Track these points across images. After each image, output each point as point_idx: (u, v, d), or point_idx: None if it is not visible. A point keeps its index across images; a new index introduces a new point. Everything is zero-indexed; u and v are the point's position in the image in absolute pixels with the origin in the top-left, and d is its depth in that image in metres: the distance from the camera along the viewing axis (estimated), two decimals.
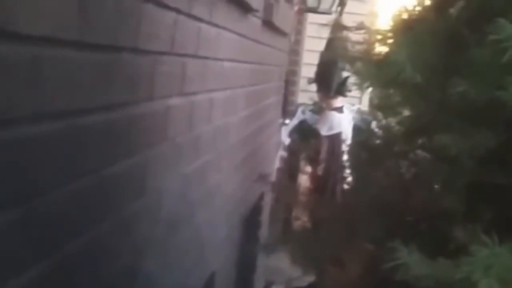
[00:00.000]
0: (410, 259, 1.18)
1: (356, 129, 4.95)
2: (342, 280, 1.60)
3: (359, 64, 1.57)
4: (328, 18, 5.07)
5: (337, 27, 2.66)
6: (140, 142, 1.67)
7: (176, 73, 1.96)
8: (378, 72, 1.44)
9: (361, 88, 1.51)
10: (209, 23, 2.25)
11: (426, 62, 1.37)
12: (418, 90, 1.43)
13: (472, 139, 1.28)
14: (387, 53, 1.56)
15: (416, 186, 1.52)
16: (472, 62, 1.29)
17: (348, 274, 1.58)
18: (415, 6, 1.87)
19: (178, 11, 1.86)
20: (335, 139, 5.21)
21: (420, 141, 1.63)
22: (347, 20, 2.46)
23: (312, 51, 6.54)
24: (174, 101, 1.95)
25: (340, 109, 5.52)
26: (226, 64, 2.66)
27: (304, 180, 5.56)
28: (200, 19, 2.12)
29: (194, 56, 2.13)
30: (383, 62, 1.46)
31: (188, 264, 2.35)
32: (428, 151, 1.53)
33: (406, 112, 1.69)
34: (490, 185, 1.35)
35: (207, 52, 2.29)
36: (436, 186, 1.52)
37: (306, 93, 6.99)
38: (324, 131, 5.40)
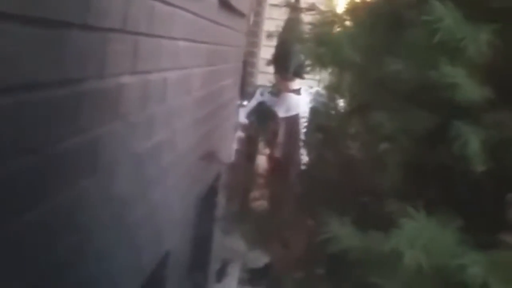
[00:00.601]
0: (341, 232, 1.22)
1: (313, 111, 5.00)
2: (287, 258, 1.64)
3: (305, 45, 1.60)
4: None
5: (294, 8, 2.67)
6: (90, 120, 1.64)
7: (129, 51, 1.93)
8: (319, 52, 1.46)
9: (313, 69, 1.53)
10: (163, 1, 2.22)
11: (365, 43, 1.40)
12: (357, 70, 1.46)
13: (406, 118, 1.31)
14: (328, 34, 1.59)
15: (358, 165, 1.56)
16: (407, 43, 1.33)
17: (292, 251, 1.62)
18: None
19: None
20: (293, 121, 5.24)
21: (360, 120, 1.67)
22: (306, 2, 2.47)
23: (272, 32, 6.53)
24: (127, 79, 1.93)
25: (297, 91, 5.55)
26: (181, 43, 2.64)
27: (261, 161, 5.59)
28: None
29: (148, 35, 2.10)
30: (323, 42, 1.49)
31: (141, 243, 2.34)
32: (366, 130, 1.57)
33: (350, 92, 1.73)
34: (428, 164, 1.39)
35: (161, 30, 2.26)
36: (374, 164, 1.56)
37: (265, 75, 7.00)
38: (281, 113, 5.43)
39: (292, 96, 5.49)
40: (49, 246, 1.45)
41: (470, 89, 1.27)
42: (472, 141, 1.28)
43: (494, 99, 1.35)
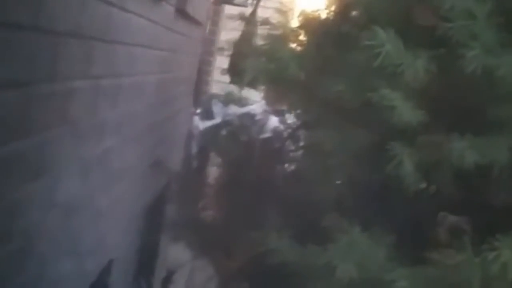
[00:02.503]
0: (280, 245, 1.26)
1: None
2: (230, 268, 1.67)
3: (254, 60, 1.64)
4: (244, 11, 5.13)
5: (248, 22, 2.71)
6: (37, 124, 1.63)
7: (82, 55, 1.92)
8: (267, 68, 1.51)
9: (251, 84, 1.57)
10: (120, 7, 2.22)
11: (311, 62, 1.45)
12: (301, 88, 1.51)
13: (346, 136, 1.37)
14: (277, 50, 1.64)
15: (302, 180, 1.60)
16: (350, 64, 1.39)
17: (235, 262, 1.65)
18: (320, 8, 1.95)
19: None
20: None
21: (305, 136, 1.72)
22: (263, 14, 2.52)
23: (228, 42, 6.56)
24: (78, 83, 1.92)
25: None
26: (136, 49, 2.64)
27: (212, 171, 5.58)
28: (110, 3, 2.09)
29: (102, 40, 2.10)
30: (272, 59, 1.54)
31: (84, 251, 2.31)
32: (307, 147, 1.62)
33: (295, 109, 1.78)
34: (366, 182, 1.45)
35: (116, 36, 2.26)
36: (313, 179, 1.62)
37: (220, 84, 7.02)
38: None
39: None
40: None
41: (406, 112, 1.34)
42: (406, 161, 1.34)
43: (428, 122, 1.42)
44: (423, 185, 1.42)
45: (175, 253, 4.61)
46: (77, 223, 2.15)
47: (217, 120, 6.00)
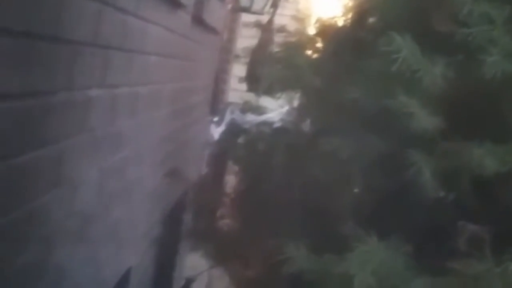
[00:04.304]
0: (297, 254, 1.25)
1: (281, 131, 5.02)
2: (246, 278, 1.66)
3: (271, 67, 1.64)
4: (260, 19, 5.13)
5: (265, 29, 2.71)
6: (55, 132, 1.64)
7: (99, 64, 1.94)
8: (283, 75, 1.50)
9: (268, 92, 1.57)
10: (136, 16, 2.24)
11: (328, 69, 1.44)
12: (318, 95, 1.50)
13: (362, 144, 1.36)
14: (293, 57, 1.64)
15: (319, 188, 1.59)
16: (366, 71, 1.38)
17: (251, 271, 1.64)
18: (337, 15, 1.94)
19: (103, 2, 1.84)
20: None
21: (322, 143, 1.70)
22: (280, 22, 2.52)
23: (244, 49, 6.57)
24: (95, 92, 1.93)
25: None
26: (152, 58, 2.65)
27: (230, 180, 5.57)
28: (126, 12, 2.11)
29: (119, 49, 2.11)
30: (288, 66, 1.53)
31: (103, 259, 2.32)
32: (324, 154, 1.61)
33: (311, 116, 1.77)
34: (383, 190, 1.44)
35: (133, 45, 2.28)
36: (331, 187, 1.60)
37: (237, 92, 7.02)
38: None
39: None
40: (8, 260, 1.44)
41: (424, 118, 1.32)
42: (424, 168, 1.32)
43: (446, 129, 1.40)
44: (442, 193, 1.40)
45: (193, 262, 4.61)
46: (95, 232, 2.16)
47: (222, 127, 6.00)
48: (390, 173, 1.43)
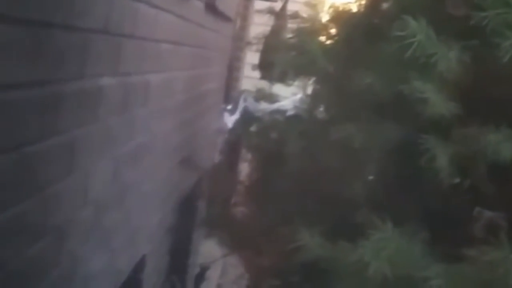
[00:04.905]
0: (311, 241, 1.24)
1: (295, 118, 5.00)
2: (261, 266, 1.65)
3: (284, 54, 1.62)
4: (273, 5, 5.10)
5: (278, 16, 2.69)
6: (68, 121, 1.64)
7: (111, 52, 1.93)
8: (296, 62, 1.48)
9: (281, 79, 1.55)
10: (148, 3, 2.23)
11: (341, 54, 1.42)
12: (331, 81, 1.48)
13: (376, 130, 1.34)
14: (306, 43, 1.62)
15: (333, 175, 1.58)
16: (380, 56, 1.35)
17: (265, 259, 1.63)
18: (350, 1, 1.92)
19: None
20: None
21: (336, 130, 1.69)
22: (293, 8, 2.49)
23: (257, 37, 6.54)
24: (107, 81, 1.93)
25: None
26: (165, 46, 2.64)
27: (244, 168, 5.57)
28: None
29: (130, 37, 2.10)
30: (302, 52, 1.51)
31: (117, 247, 2.33)
32: (337, 141, 1.59)
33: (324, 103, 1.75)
34: (398, 177, 1.42)
35: (145, 33, 2.27)
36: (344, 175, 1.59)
37: (251, 80, 7.00)
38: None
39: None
40: (23, 247, 1.45)
41: (439, 104, 1.30)
42: (440, 155, 1.30)
43: (462, 114, 1.37)
44: (458, 180, 1.37)
45: (208, 249, 4.62)
46: (110, 219, 2.16)
47: (236, 115, 5.98)
48: (405, 160, 1.41)
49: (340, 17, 1.85)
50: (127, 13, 2.01)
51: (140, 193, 2.57)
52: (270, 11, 2.48)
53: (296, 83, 6.10)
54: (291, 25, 2.05)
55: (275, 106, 6.10)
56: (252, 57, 7.07)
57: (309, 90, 2.11)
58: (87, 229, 1.93)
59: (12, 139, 1.32)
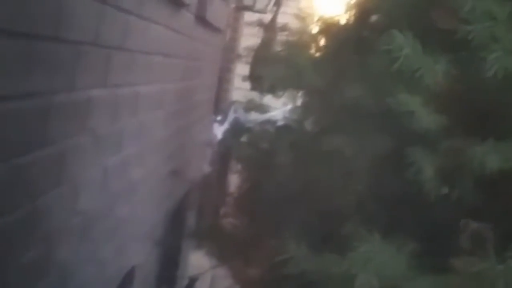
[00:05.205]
0: (298, 253, 1.24)
1: (285, 129, 5.01)
2: (249, 277, 1.65)
3: (272, 66, 1.63)
4: (263, 17, 5.13)
5: (267, 28, 2.71)
6: (57, 132, 1.65)
7: (100, 64, 1.94)
8: (284, 74, 1.50)
9: (270, 91, 1.57)
10: (138, 16, 2.24)
11: (329, 68, 1.44)
12: (320, 94, 1.50)
13: (364, 143, 1.35)
14: (292, 56, 1.63)
15: (321, 186, 1.59)
16: (368, 69, 1.37)
17: (254, 271, 1.63)
18: (339, 13, 1.94)
19: (103, 1, 1.84)
20: None
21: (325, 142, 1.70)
22: (283, 20, 2.51)
23: (247, 48, 6.56)
24: (97, 92, 1.93)
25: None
26: (155, 58, 2.65)
27: (233, 180, 5.57)
28: (128, 11, 2.11)
29: (120, 49, 2.11)
30: (290, 65, 1.53)
31: (106, 257, 2.32)
32: (327, 152, 1.61)
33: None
34: (385, 188, 1.43)
35: (135, 45, 2.28)
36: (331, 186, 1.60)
37: (241, 91, 7.01)
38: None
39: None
40: (11, 259, 1.44)
41: (425, 117, 1.31)
42: (426, 167, 1.32)
43: (448, 127, 1.39)
44: (445, 191, 1.39)
45: (197, 261, 4.61)
46: (99, 231, 2.16)
47: (226, 126, 6.00)
48: (393, 172, 1.43)
49: (329, 29, 1.87)
50: (117, 25, 2.02)
51: (129, 204, 2.57)
52: (260, 23, 2.50)
53: (286, 94, 6.11)
54: (281, 37, 2.07)
55: (266, 116, 6.11)
56: (242, 68, 7.10)
57: (299, 102, 2.13)
58: (76, 240, 1.92)
59: (2, 150, 1.32)
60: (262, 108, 6.14)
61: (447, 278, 1.28)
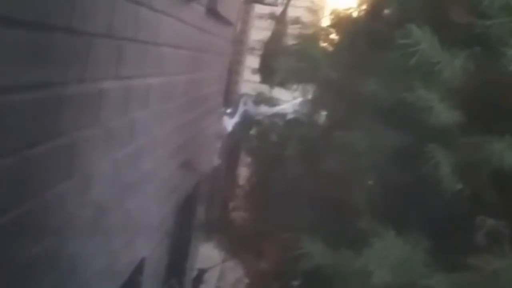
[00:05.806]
0: (313, 249, 1.23)
1: (295, 122, 5.00)
2: (260, 270, 1.65)
3: (285, 60, 1.61)
4: (274, 10, 5.10)
5: (279, 21, 2.69)
6: (69, 124, 1.64)
7: (112, 56, 1.93)
8: (298, 68, 1.48)
9: (282, 84, 1.55)
10: (149, 7, 2.23)
11: (344, 61, 1.42)
12: (333, 87, 1.48)
13: (379, 137, 1.34)
14: (309, 49, 1.61)
15: (335, 181, 1.57)
16: (384, 64, 1.35)
17: (265, 264, 1.62)
18: (352, 6, 1.92)
19: None
20: None
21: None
22: (294, 13, 2.50)
23: (258, 41, 6.54)
24: (109, 84, 1.92)
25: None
26: (166, 50, 2.64)
27: (243, 172, 5.56)
28: (139, 3, 2.10)
29: (132, 40, 2.10)
30: (303, 58, 1.51)
31: (117, 249, 2.32)
32: (338, 147, 1.59)
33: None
34: (400, 184, 1.41)
35: (146, 37, 2.27)
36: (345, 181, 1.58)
37: (250, 83, 6.99)
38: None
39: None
40: (23, 249, 1.44)
41: (443, 112, 1.29)
42: (443, 162, 1.30)
43: (466, 123, 1.37)
44: (461, 188, 1.37)
45: (206, 252, 4.61)
46: (109, 222, 2.16)
47: (236, 118, 5.99)
48: (407, 167, 1.41)
49: (341, 23, 1.85)
50: (129, 17, 2.01)
51: (139, 195, 2.57)
52: (271, 16, 2.47)
53: (298, 88, 6.08)
54: (292, 30, 2.05)
55: (275, 109, 6.09)
56: (252, 61, 7.08)
57: (310, 95, 2.11)
58: (87, 231, 1.92)
59: (13, 142, 1.32)
60: (272, 101, 6.13)
61: (463, 275, 1.27)
